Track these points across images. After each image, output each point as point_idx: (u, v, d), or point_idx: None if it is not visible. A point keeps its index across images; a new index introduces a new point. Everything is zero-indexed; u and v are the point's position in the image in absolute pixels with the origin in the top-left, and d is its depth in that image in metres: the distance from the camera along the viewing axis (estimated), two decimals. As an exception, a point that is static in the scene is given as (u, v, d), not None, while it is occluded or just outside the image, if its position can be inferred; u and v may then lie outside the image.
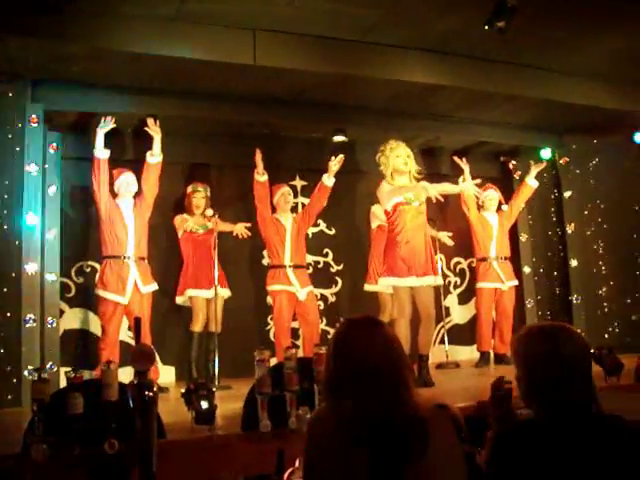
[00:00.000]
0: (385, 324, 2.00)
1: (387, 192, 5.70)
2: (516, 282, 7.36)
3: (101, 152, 5.85)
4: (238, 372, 6.07)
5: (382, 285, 5.96)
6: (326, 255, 7.59)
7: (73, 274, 6.54)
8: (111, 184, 6.02)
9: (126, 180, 6.07)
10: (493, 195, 7.38)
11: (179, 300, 6.50)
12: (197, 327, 6.37)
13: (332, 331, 7.45)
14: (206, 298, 6.37)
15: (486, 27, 4.62)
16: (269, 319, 7.18)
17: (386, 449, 1.75)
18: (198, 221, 6.51)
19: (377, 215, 6.85)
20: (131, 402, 2.28)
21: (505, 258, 7.29)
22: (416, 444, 1.75)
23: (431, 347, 5.86)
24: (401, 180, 5.70)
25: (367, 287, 6.99)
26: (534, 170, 7.27)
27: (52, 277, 5.92)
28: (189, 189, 6.61)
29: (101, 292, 5.88)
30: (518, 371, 2.00)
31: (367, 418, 1.79)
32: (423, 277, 5.56)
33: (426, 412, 1.83)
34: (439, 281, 5.99)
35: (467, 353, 7.69)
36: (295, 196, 7.25)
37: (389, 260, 5.64)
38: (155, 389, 2.24)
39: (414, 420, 1.79)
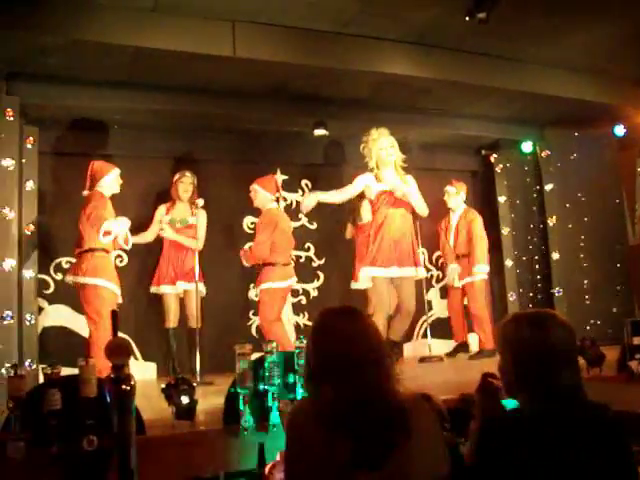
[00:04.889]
0: (364, 313, 1.97)
1: (363, 178, 5.64)
2: (471, 279, 7.23)
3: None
4: (221, 368, 6.04)
5: (363, 277, 5.76)
6: (308, 249, 7.56)
7: (52, 270, 6.46)
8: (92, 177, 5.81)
9: (114, 179, 5.82)
10: (450, 191, 7.41)
11: (153, 289, 6.41)
12: (170, 323, 6.32)
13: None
14: (177, 295, 6.31)
15: (467, 18, 4.59)
16: (251, 314, 7.15)
17: (367, 437, 1.73)
18: (179, 213, 6.40)
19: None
20: (108, 397, 2.23)
21: (463, 256, 7.30)
22: (398, 432, 1.73)
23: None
24: (386, 171, 5.64)
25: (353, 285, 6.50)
26: None
27: (30, 273, 5.84)
28: (176, 176, 6.47)
29: (105, 282, 5.51)
30: (503, 359, 1.96)
31: (348, 406, 1.76)
32: (404, 268, 5.51)
33: (409, 401, 1.81)
34: (421, 273, 5.95)
35: (450, 346, 7.69)
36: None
37: (371, 251, 5.57)
38: (132, 382, 2.20)
39: (395, 409, 1.77)
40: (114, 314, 2.38)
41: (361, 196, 6.24)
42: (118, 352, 2.26)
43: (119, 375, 2.21)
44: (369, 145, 5.67)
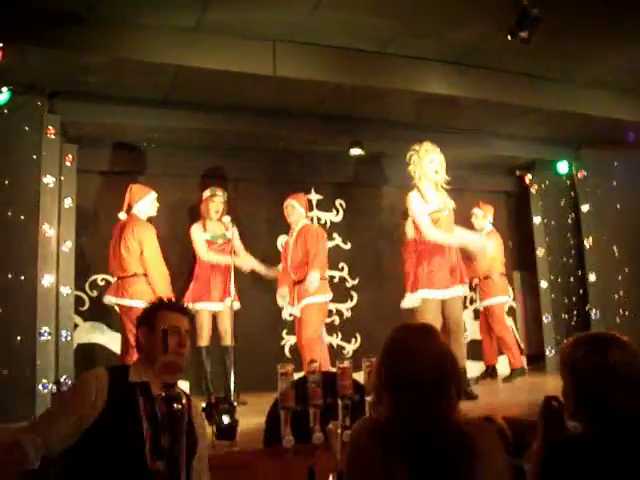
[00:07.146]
0: (440, 334, 1.91)
1: (418, 202, 5.59)
2: (491, 302, 7.31)
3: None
4: (253, 387, 5.99)
5: (414, 298, 5.60)
6: (342, 269, 7.52)
7: (87, 287, 6.49)
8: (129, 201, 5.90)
9: (151, 202, 5.95)
10: (477, 214, 7.43)
11: None
12: (203, 342, 6.24)
13: (347, 346, 7.37)
14: (212, 312, 6.27)
15: (509, 37, 4.54)
16: (284, 333, 7.12)
17: (428, 466, 1.67)
18: (216, 230, 6.39)
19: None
20: (159, 416, 2.20)
21: (485, 278, 7.35)
22: (460, 461, 1.67)
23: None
24: (428, 187, 5.58)
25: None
26: None
27: (67, 290, 5.88)
28: (207, 193, 6.44)
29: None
30: (565, 382, 1.92)
31: (408, 426, 1.72)
32: (454, 287, 5.45)
33: (471, 427, 1.76)
34: (467, 291, 5.91)
35: (481, 368, 7.59)
36: (310, 209, 7.17)
37: (423, 272, 5.48)
38: (184, 401, 2.16)
39: (457, 436, 1.71)
40: (164, 333, 2.34)
41: (405, 213, 6.17)
42: (169, 369, 2.24)
43: (170, 393, 2.18)
44: (420, 154, 5.58)
